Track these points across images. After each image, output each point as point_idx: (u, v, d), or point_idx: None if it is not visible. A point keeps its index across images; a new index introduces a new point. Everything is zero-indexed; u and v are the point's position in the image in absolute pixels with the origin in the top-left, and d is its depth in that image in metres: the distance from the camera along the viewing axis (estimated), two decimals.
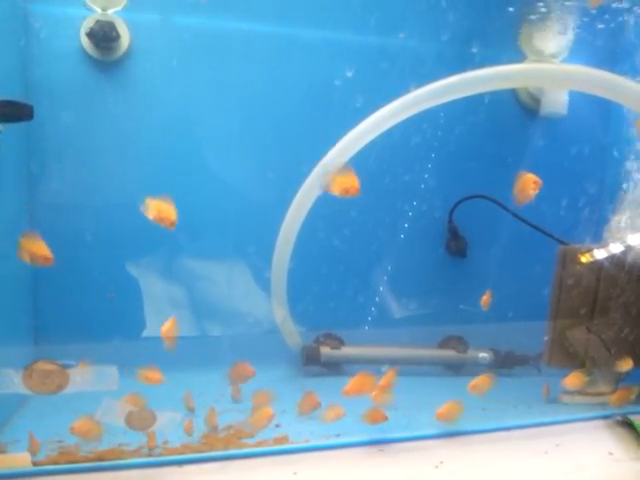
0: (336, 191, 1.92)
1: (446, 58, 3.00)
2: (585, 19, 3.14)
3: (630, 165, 2.75)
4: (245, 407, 2.31)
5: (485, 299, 2.33)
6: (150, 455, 1.79)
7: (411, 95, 2.69)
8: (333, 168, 2.45)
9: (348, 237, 2.98)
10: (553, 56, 3.35)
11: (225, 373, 2.46)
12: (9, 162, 2.50)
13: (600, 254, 2.45)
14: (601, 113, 3.39)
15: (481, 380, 2.14)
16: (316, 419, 2.14)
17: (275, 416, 2.19)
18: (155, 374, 2.06)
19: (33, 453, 1.78)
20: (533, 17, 3.16)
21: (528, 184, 2.08)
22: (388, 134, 2.77)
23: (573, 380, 2.29)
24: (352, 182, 1.92)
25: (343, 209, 3.02)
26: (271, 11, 3.01)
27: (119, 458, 1.74)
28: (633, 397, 2.38)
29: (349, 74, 2.95)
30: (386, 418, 1.99)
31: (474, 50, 2.93)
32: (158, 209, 1.83)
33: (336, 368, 3.08)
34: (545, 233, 2.88)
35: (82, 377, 1.69)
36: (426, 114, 2.75)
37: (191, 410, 2.26)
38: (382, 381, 2.12)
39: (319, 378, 2.99)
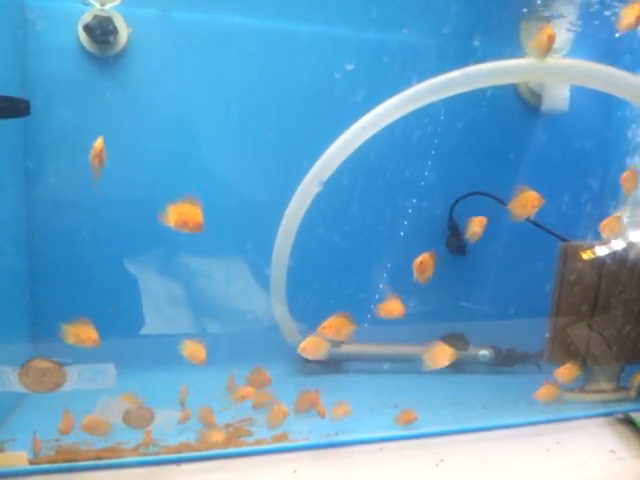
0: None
1: (447, 53, 2.97)
2: (587, 14, 3.12)
3: (632, 160, 2.74)
4: (244, 406, 2.31)
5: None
6: (148, 454, 1.78)
7: (412, 90, 2.67)
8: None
9: (348, 234, 2.96)
10: (555, 51, 3.32)
11: (224, 371, 2.47)
12: (6, 158, 2.48)
13: (602, 251, 2.43)
14: (603, 108, 3.37)
15: None
16: (316, 417, 2.13)
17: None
18: (209, 415, 2.07)
19: (35, 453, 1.77)
20: (535, 12, 3.14)
21: (530, 201, 2.07)
22: (389, 129, 2.75)
23: (565, 372, 2.26)
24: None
25: (343, 205, 3.01)
26: (270, 5, 2.99)
27: (117, 457, 1.73)
28: (633, 394, 2.38)
29: (349, 68, 2.93)
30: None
31: (475, 44, 2.91)
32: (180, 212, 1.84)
33: (336, 366, 3.07)
34: (546, 230, 2.87)
35: (79, 375, 1.67)
36: (427, 109, 2.73)
37: (182, 405, 2.26)
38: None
39: (319, 376, 2.98)
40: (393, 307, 2.11)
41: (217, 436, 1.92)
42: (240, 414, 2.24)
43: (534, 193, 2.05)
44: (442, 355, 2.03)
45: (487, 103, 3.02)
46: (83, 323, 1.77)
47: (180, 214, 1.78)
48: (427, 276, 2.10)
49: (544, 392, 2.26)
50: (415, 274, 2.09)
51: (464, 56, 2.70)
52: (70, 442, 1.85)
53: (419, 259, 2.08)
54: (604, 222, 2.23)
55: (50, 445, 1.83)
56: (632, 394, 2.38)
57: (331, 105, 3.01)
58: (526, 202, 2.07)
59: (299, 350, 2.00)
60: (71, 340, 1.75)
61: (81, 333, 1.76)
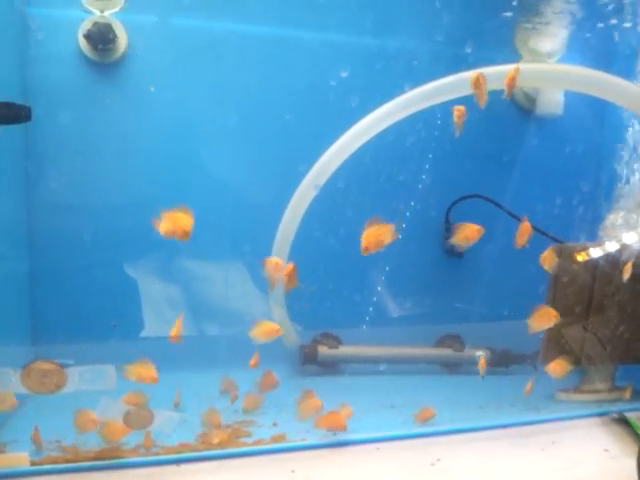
0: None
1: (441, 58, 3.00)
2: (580, 20, 3.16)
3: (624, 164, 2.77)
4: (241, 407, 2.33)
5: None
6: (148, 454, 1.80)
7: (406, 95, 2.70)
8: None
9: (344, 237, 2.98)
10: (549, 56, 3.36)
11: (223, 373, 2.49)
12: (7, 163, 2.50)
13: (595, 252, 2.46)
14: (596, 113, 3.40)
15: None
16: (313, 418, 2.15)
17: (274, 414, 2.22)
18: (215, 416, 2.08)
19: (38, 446, 1.81)
20: (529, 18, 3.17)
21: (526, 230, 2.21)
22: (384, 134, 2.78)
23: (556, 367, 2.29)
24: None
25: (340, 209, 3.03)
26: (267, 13, 3.02)
27: (117, 457, 1.75)
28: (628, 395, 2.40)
29: (344, 75, 2.96)
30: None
31: (468, 50, 2.94)
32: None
33: (333, 367, 3.09)
34: (541, 232, 2.89)
35: (80, 376, 1.69)
36: (421, 114, 2.76)
37: (176, 405, 2.28)
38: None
39: (316, 377, 3.00)
40: (470, 230, 2.09)
41: (220, 436, 1.94)
42: (237, 416, 2.26)
43: (528, 225, 2.17)
44: (547, 317, 2.12)
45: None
46: (144, 362, 1.87)
47: (171, 222, 1.77)
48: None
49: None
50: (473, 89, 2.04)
51: (457, 62, 2.73)
52: (71, 443, 1.86)
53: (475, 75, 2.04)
54: (543, 255, 2.28)
55: (51, 446, 1.85)
56: (627, 395, 2.40)
57: (326, 110, 3.04)
58: (523, 232, 2.18)
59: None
60: (133, 378, 1.85)
61: (142, 372, 1.86)
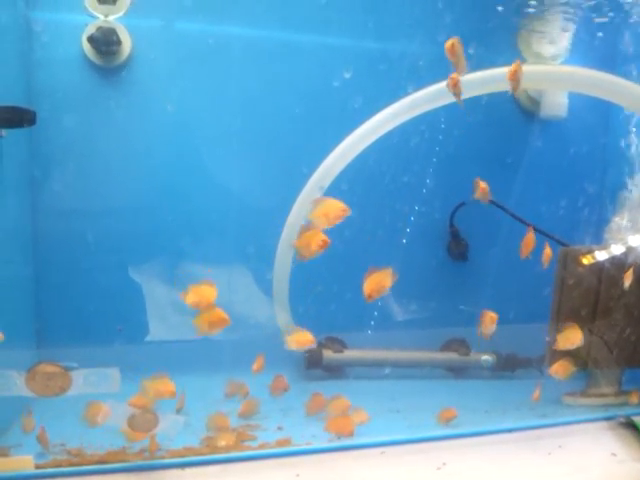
0: None
1: (444, 60, 3.00)
2: (584, 22, 3.16)
3: (630, 166, 2.76)
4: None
5: None
6: (153, 458, 1.79)
7: (410, 97, 2.71)
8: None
9: (349, 239, 2.98)
10: (552, 59, 3.36)
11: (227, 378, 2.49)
12: (12, 167, 2.51)
13: (601, 255, 2.45)
14: (601, 115, 3.39)
15: None
16: (319, 421, 2.14)
17: (279, 418, 2.21)
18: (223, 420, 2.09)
19: (45, 446, 1.82)
20: (532, 20, 3.17)
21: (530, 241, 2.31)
22: (388, 136, 2.78)
23: (559, 369, 2.28)
24: None
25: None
26: (271, 16, 3.03)
27: (122, 461, 1.75)
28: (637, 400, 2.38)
29: (348, 77, 2.97)
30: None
31: (471, 52, 2.94)
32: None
33: (338, 371, 3.08)
34: (546, 235, 2.88)
35: (85, 379, 1.69)
36: (425, 116, 2.77)
37: (178, 409, 2.29)
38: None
39: (321, 381, 3.00)
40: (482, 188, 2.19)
41: (225, 439, 1.94)
42: (243, 420, 2.26)
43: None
44: (574, 336, 2.18)
45: (486, 110, 3.05)
46: (162, 378, 1.92)
47: (197, 295, 1.95)
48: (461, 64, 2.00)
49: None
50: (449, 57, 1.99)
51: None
52: (76, 446, 1.86)
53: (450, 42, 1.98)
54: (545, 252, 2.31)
55: (56, 449, 1.85)
56: (634, 399, 2.38)
57: (331, 112, 3.04)
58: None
59: None
60: (151, 393, 1.89)
61: (160, 387, 1.91)
